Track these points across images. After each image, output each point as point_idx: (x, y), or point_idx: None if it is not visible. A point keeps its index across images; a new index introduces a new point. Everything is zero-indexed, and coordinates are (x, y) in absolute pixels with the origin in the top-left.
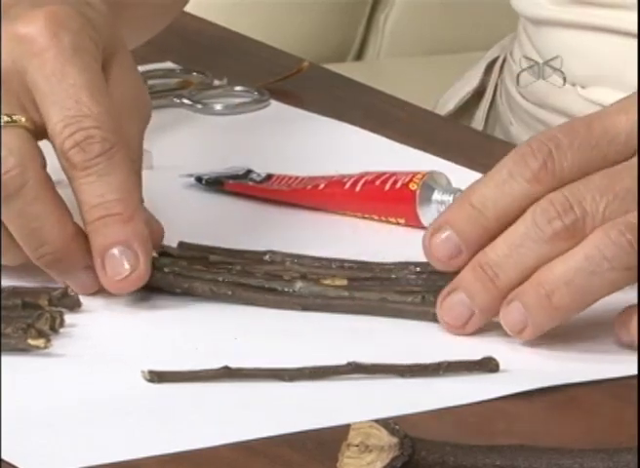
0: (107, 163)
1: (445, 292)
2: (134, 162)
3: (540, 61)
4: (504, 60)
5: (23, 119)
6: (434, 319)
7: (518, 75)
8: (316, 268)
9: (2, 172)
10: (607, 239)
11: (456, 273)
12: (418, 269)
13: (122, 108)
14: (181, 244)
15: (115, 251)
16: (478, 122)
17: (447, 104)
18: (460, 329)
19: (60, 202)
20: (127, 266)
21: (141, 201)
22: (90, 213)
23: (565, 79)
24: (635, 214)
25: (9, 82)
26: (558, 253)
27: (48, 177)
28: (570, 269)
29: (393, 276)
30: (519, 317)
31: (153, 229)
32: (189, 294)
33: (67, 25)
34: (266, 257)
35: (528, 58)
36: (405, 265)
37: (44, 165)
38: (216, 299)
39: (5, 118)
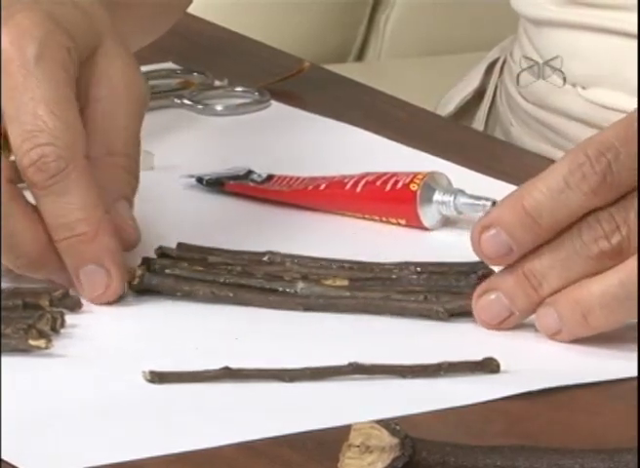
0: (64, 182)
1: (480, 291)
2: (128, 156)
3: (540, 62)
4: (505, 61)
5: None
6: (437, 317)
7: (518, 75)
8: (317, 269)
9: None
10: None
11: (464, 273)
12: (418, 269)
13: (112, 101)
14: (180, 245)
15: (86, 270)
16: (479, 123)
17: (448, 105)
18: (496, 326)
19: (30, 213)
20: (100, 283)
21: (130, 204)
22: (55, 233)
23: (565, 79)
24: None
25: None
26: (602, 269)
27: (15, 191)
28: (606, 293)
29: (394, 276)
30: (553, 323)
31: (124, 235)
32: (191, 297)
33: (31, 34)
34: (266, 258)
35: (528, 59)
36: (405, 265)
37: (11, 178)
38: (217, 302)
39: None
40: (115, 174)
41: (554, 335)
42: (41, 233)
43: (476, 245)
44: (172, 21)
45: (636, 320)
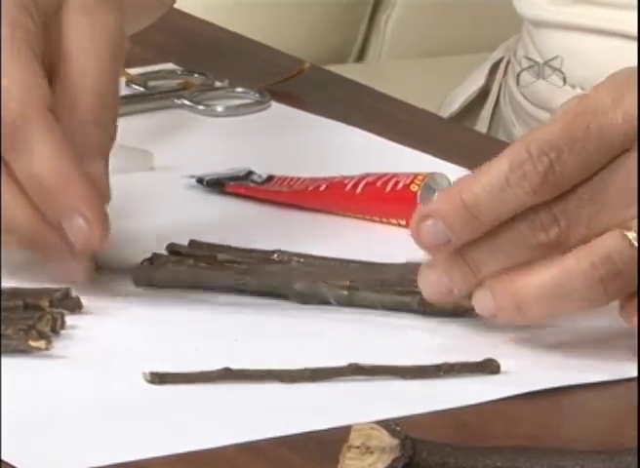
0: (27, 139)
1: (418, 217)
2: (97, 116)
3: (558, 56)
4: (509, 61)
5: None
6: (412, 310)
7: (518, 75)
8: (321, 268)
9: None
10: (578, 269)
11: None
12: None
13: (79, 57)
14: (192, 242)
15: (65, 220)
16: (482, 122)
17: (452, 105)
18: (435, 250)
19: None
20: (81, 230)
21: (105, 162)
22: (28, 190)
23: (565, 79)
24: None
25: None
26: (541, 257)
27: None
28: (542, 288)
29: (397, 277)
30: (489, 306)
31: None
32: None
33: None
34: (275, 256)
35: (528, 59)
36: (411, 266)
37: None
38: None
39: None
40: (85, 134)
41: (491, 317)
42: (33, 208)
43: (415, 233)
44: (161, 12)
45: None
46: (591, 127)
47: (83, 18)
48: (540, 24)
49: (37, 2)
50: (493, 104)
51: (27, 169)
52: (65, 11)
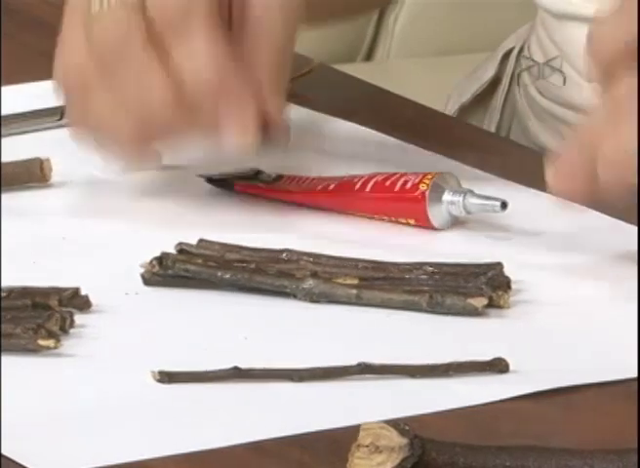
0: (187, 24)
1: None
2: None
3: (556, 55)
4: (520, 51)
5: None
6: (421, 308)
7: (519, 74)
8: (330, 267)
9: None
10: None
11: (476, 274)
12: (432, 269)
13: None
14: (201, 241)
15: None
16: (494, 113)
17: (462, 95)
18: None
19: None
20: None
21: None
22: (187, 81)
23: (565, 79)
24: None
25: None
26: None
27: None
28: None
29: (407, 276)
30: None
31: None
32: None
33: None
34: (283, 255)
35: (528, 58)
36: (420, 265)
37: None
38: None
39: None
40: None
41: None
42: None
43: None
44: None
45: None
46: None
47: None
48: (561, 17)
49: None
50: (504, 95)
51: (185, 56)
52: None
